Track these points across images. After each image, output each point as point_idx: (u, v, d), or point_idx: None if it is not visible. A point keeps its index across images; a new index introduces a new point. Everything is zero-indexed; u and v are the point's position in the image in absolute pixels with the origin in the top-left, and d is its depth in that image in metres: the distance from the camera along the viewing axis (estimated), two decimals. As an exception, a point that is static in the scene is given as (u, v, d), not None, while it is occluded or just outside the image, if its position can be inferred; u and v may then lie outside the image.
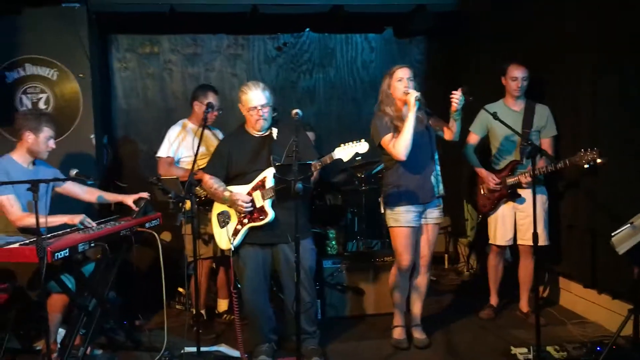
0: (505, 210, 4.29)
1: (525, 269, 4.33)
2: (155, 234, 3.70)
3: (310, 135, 4.76)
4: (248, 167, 3.67)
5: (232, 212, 3.71)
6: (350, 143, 3.34)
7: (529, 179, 4.06)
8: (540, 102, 4.31)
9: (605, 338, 3.65)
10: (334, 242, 4.80)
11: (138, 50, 5.78)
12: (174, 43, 5.83)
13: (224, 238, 3.70)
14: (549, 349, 3.57)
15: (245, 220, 3.64)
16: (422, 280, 3.92)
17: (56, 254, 2.98)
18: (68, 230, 3.46)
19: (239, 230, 3.65)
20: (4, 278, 3.40)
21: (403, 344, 3.91)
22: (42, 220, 2.99)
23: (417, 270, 3.89)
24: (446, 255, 6.02)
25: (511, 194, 4.22)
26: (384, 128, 3.71)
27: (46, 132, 3.68)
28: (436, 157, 3.81)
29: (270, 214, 3.58)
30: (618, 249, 3.20)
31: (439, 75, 6.08)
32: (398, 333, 3.97)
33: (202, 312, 4.41)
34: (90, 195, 3.94)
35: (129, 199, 3.86)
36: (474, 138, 4.37)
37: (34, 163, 3.74)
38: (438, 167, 3.80)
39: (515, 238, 4.30)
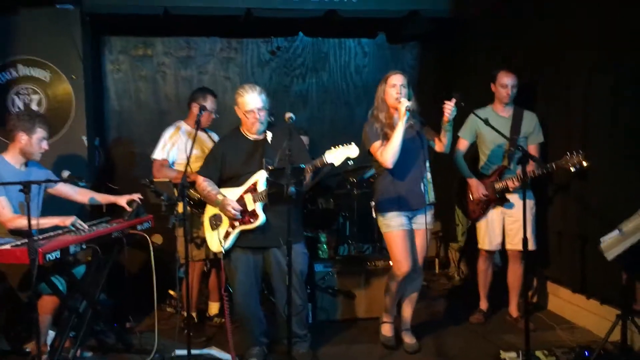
0: (494, 215, 4.31)
1: (514, 274, 4.36)
2: (147, 237, 3.70)
3: (305, 139, 4.75)
4: (241, 170, 3.66)
5: (224, 215, 3.72)
6: (340, 146, 3.36)
7: (517, 183, 4.08)
8: (533, 106, 4.33)
9: (594, 343, 3.68)
10: (325, 246, 4.81)
11: (131, 52, 5.78)
12: (168, 46, 5.83)
13: (215, 241, 3.70)
14: (538, 353, 3.59)
15: (237, 224, 3.63)
16: (413, 285, 3.93)
17: (47, 256, 2.98)
18: (59, 231, 3.45)
19: (230, 233, 3.65)
20: (-5, 279, 3.38)
21: (390, 342, 3.93)
22: (33, 222, 2.99)
23: (408, 276, 3.91)
24: (437, 260, 6.04)
25: (500, 199, 4.24)
26: (373, 135, 3.73)
27: (39, 133, 3.67)
28: (427, 163, 3.80)
29: (261, 217, 3.58)
30: (607, 254, 3.22)
31: (432, 81, 6.12)
32: (387, 329, 3.99)
33: (193, 314, 4.41)
34: (83, 197, 3.93)
35: (122, 200, 3.86)
36: (463, 144, 4.38)
37: (26, 164, 3.72)
38: (429, 174, 3.79)
39: (504, 243, 4.32)
